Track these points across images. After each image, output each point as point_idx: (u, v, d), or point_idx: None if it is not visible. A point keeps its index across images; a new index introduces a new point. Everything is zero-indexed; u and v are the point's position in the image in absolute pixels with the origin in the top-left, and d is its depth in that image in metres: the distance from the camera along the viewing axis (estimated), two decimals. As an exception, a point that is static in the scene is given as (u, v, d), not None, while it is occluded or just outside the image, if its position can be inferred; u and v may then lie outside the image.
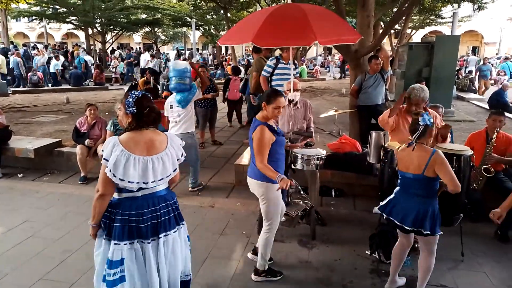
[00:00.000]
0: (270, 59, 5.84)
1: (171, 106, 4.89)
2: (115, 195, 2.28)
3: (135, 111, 2.25)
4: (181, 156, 2.44)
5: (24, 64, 15.08)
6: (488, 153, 4.13)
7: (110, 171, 2.14)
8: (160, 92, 8.02)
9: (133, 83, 8.74)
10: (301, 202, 3.93)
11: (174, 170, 2.37)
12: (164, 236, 2.29)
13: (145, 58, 18.52)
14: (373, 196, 4.79)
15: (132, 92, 2.35)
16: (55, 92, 14.02)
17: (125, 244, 2.20)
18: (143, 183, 2.23)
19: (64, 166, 5.99)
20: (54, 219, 4.27)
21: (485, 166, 4.09)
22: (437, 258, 3.37)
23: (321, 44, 3.32)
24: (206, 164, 6.34)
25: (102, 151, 2.21)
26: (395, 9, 14.14)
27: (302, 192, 4.18)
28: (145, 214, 2.24)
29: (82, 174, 5.53)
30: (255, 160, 2.91)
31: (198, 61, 20.41)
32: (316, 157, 4.04)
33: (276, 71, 5.82)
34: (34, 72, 14.63)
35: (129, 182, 2.18)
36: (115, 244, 2.20)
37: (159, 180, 2.29)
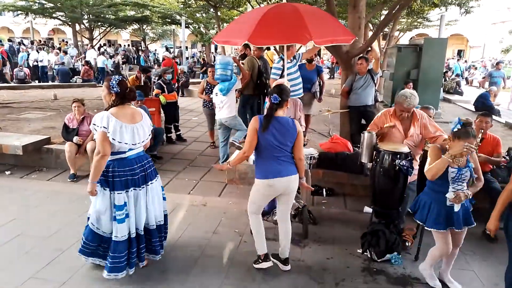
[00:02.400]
0: (277, 60, 5.70)
1: (216, 94, 5.64)
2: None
3: (119, 90, 2.96)
4: (151, 125, 3.25)
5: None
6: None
7: (111, 137, 2.87)
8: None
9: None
10: (294, 201, 3.95)
11: (149, 135, 3.20)
12: (150, 183, 3.16)
13: (91, 55, 17.66)
14: (364, 195, 4.88)
15: (113, 76, 3.08)
16: (42, 88, 13.76)
17: (126, 192, 3.00)
18: (132, 144, 3.00)
19: (53, 164, 5.90)
20: (44, 217, 4.20)
21: (472, 166, 4.18)
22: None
23: (316, 44, 3.35)
24: (197, 163, 6.33)
25: (94, 124, 2.90)
26: (384, 11, 14.35)
27: (294, 191, 4.21)
28: (136, 169, 3.04)
29: (71, 172, 5.46)
30: (302, 152, 3.15)
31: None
32: (309, 156, 4.08)
33: (286, 72, 5.65)
34: (21, 68, 14.35)
35: (125, 143, 2.95)
36: (118, 193, 2.98)
37: (142, 142, 3.11)
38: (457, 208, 2.90)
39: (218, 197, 4.98)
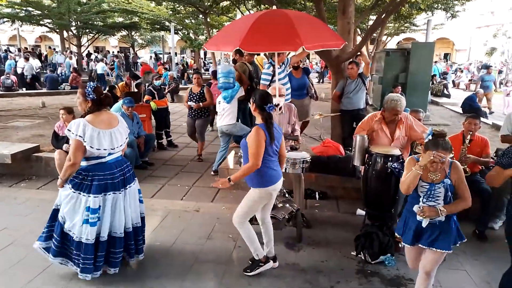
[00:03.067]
0: (266, 66, 5.74)
1: (219, 102, 5.68)
2: (83, 163, 3.02)
3: (95, 97, 3.00)
4: (126, 127, 3.28)
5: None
6: (463, 154, 4.29)
7: (88, 145, 2.90)
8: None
9: (111, 86, 8.58)
10: (287, 205, 3.97)
11: (126, 138, 3.25)
12: (128, 187, 3.22)
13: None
14: (356, 198, 4.91)
15: (88, 83, 3.15)
16: (29, 96, 13.63)
17: (103, 195, 3.03)
18: (111, 149, 3.06)
19: (43, 172, 5.83)
20: (35, 226, 4.11)
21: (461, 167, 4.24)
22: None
23: (307, 49, 3.38)
24: (189, 169, 6.31)
25: (69, 130, 2.91)
26: (371, 16, 14.54)
27: (287, 195, 4.23)
28: (116, 173, 3.10)
29: (62, 180, 5.39)
30: (285, 149, 3.33)
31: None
32: (302, 160, 4.10)
33: (275, 78, 5.65)
34: (8, 75, 14.17)
35: (104, 149, 3.00)
36: (94, 197, 2.99)
37: (120, 146, 3.16)
38: (424, 223, 2.65)
39: (211, 203, 4.97)
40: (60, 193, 3.13)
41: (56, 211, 3.18)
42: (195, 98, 6.47)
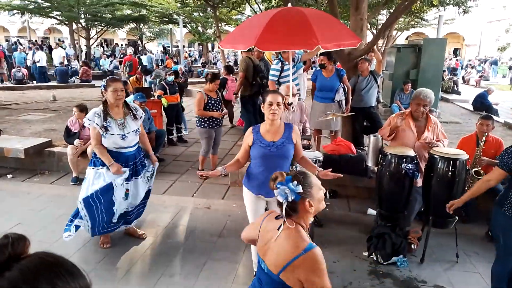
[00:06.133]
0: (275, 62, 5.72)
1: None
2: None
3: None
4: None
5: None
6: (478, 156, 4.26)
7: None
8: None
9: (123, 81, 8.57)
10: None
11: None
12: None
13: (59, 54, 17.02)
14: (367, 197, 4.91)
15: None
16: (40, 89, 13.71)
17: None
18: None
19: (55, 167, 5.87)
20: (48, 222, 4.19)
21: (475, 169, 4.21)
22: (432, 258, 3.50)
23: (323, 48, 3.35)
24: (198, 165, 6.30)
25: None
26: (382, 12, 14.37)
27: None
28: None
29: (74, 175, 5.44)
30: None
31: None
32: (314, 159, 4.09)
33: (283, 74, 5.59)
34: (18, 68, 14.26)
35: None
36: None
37: None
38: None
39: (221, 200, 4.99)
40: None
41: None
42: (218, 104, 5.44)
